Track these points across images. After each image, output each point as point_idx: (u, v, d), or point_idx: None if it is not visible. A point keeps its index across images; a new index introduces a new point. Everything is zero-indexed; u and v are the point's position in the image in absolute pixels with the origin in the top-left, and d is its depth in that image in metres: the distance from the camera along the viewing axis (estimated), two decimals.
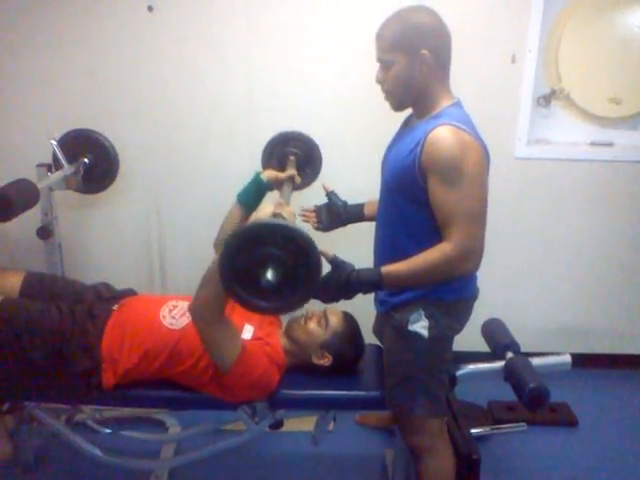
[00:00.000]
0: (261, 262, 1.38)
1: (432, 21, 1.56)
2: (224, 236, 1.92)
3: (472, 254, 1.53)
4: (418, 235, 1.61)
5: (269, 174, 1.95)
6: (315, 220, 2.05)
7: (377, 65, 1.62)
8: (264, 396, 1.80)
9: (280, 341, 1.89)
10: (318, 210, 2.06)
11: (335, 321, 1.90)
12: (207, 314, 1.65)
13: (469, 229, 1.51)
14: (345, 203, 2.04)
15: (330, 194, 2.05)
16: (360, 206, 2.02)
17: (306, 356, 1.88)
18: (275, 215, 1.53)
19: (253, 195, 1.94)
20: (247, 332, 1.86)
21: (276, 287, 1.38)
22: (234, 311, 1.83)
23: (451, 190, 1.50)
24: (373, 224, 1.84)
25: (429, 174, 1.52)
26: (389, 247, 1.71)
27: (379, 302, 1.80)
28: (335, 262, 1.58)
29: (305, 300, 1.46)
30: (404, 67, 1.55)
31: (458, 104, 1.62)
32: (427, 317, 1.64)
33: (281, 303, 1.46)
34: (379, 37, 1.59)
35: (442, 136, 1.49)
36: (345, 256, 1.61)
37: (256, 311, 1.51)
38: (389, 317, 1.73)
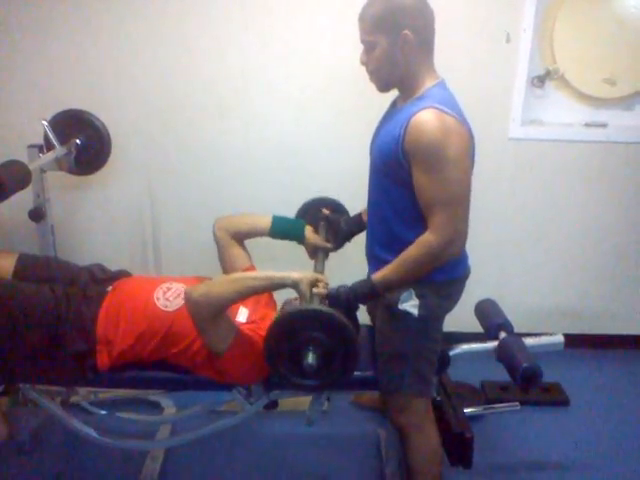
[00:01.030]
0: (304, 345, 1.52)
1: (413, 1, 1.55)
2: (235, 226, 2.00)
3: (455, 240, 1.54)
4: (408, 218, 1.62)
5: (309, 233, 2.03)
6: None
7: None
8: (259, 379, 1.80)
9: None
10: (324, 233, 2.07)
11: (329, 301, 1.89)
12: (209, 310, 1.64)
13: (451, 215, 1.52)
14: (345, 218, 2.05)
15: (327, 217, 2.07)
16: (357, 216, 2.03)
17: None
18: (315, 281, 1.64)
19: (286, 230, 2.02)
20: (242, 315, 1.85)
21: (316, 369, 1.51)
22: None
23: (433, 176, 1.50)
24: None
25: (412, 159, 1.53)
26: (380, 230, 1.72)
27: None
28: (330, 296, 1.65)
29: (348, 377, 1.60)
30: (386, 48, 1.55)
31: (442, 84, 1.61)
32: (417, 296, 1.64)
33: (323, 381, 1.60)
34: (361, 19, 1.59)
35: (424, 120, 1.49)
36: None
37: (300, 389, 1.67)
38: (381, 296, 1.74)
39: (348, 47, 2.40)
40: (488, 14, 2.49)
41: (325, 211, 2.09)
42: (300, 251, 2.05)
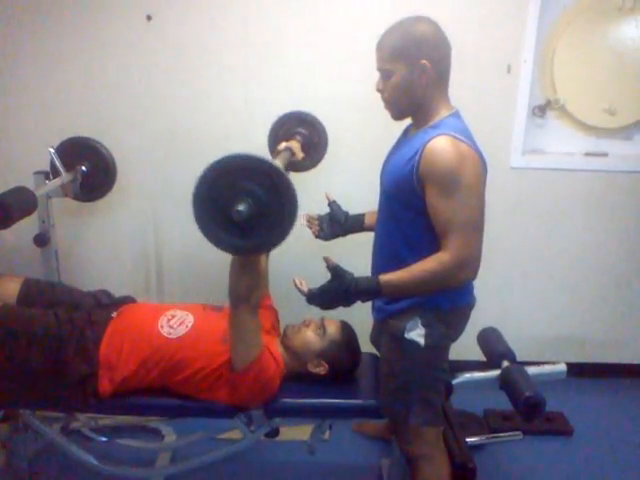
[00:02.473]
0: (235, 196, 1.37)
1: (433, 32, 1.57)
2: None
3: (469, 263, 1.53)
4: (416, 244, 1.63)
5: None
6: (317, 228, 2.06)
7: (376, 73, 1.64)
8: (264, 402, 1.80)
9: (278, 350, 1.89)
10: (320, 219, 2.08)
11: (332, 330, 1.90)
12: (254, 297, 1.65)
13: (466, 238, 1.51)
14: (346, 213, 2.05)
15: (332, 204, 2.07)
16: (360, 216, 2.04)
17: (302, 364, 1.88)
18: None
19: None
20: None
21: (250, 223, 1.37)
22: None
23: (448, 200, 1.51)
24: (372, 234, 1.85)
25: (427, 184, 1.53)
26: (387, 256, 1.72)
27: (376, 310, 1.80)
28: (336, 270, 1.59)
29: (280, 239, 1.42)
30: (404, 77, 1.57)
31: (457, 114, 1.64)
32: (423, 325, 1.64)
33: (255, 241, 1.43)
34: (379, 47, 1.61)
35: (440, 146, 1.50)
36: (343, 265, 1.61)
37: (230, 251, 1.49)
38: (386, 325, 1.74)
39: (354, 77, 2.48)
40: (489, 45, 2.53)
41: (329, 197, 2.08)
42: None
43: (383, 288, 1.56)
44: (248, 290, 1.65)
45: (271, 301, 2.12)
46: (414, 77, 1.57)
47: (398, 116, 1.68)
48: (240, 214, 1.35)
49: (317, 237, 2.06)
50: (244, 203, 1.36)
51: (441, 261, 1.52)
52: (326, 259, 1.57)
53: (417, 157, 1.54)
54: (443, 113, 1.61)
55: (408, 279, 1.56)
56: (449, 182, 1.50)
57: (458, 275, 1.54)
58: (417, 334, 1.65)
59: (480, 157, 1.57)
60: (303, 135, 2.20)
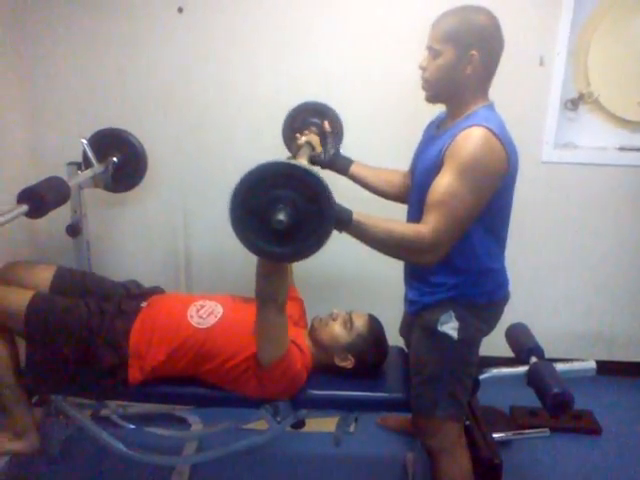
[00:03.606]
0: (272, 205, 1.37)
1: (490, 24, 1.56)
2: None
3: (438, 249, 1.51)
4: None
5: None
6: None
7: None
8: (291, 396, 1.81)
9: (305, 342, 1.90)
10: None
11: (360, 324, 1.90)
12: (282, 296, 1.65)
13: (447, 225, 1.49)
14: (337, 151, 2.04)
15: (328, 134, 2.07)
16: (347, 161, 2.02)
17: (329, 357, 1.88)
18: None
19: None
20: None
21: (288, 230, 1.36)
22: None
23: (453, 182, 1.48)
24: None
25: (445, 162, 1.52)
26: None
27: (409, 302, 1.79)
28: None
29: (319, 245, 1.41)
30: (450, 61, 1.55)
31: (491, 107, 1.62)
32: (457, 319, 1.64)
33: (294, 248, 1.43)
34: (435, 25, 1.59)
35: (471, 134, 1.49)
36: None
37: (270, 259, 1.49)
38: (418, 317, 1.73)
39: (386, 69, 2.47)
40: (522, 37, 2.49)
41: (327, 127, 2.10)
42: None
43: (353, 220, 1.49)
44: (276, 290, 1.64)
45: (296, 292, 2.12)
46: (460, 64, 1.55)
47: (433, 98, 1.66)
48: (281, 224, 1.35)
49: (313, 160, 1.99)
50: (283, 212, 1.36)
51: (418, 232, 1.49)
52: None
53: (447, 145, 1.52)
54: (479, 104, 1.60)
55: (378, 226, 1.50)
56: (463, 167, 1.48)
57: (426, 253, 1.51)
58: (450, 327, 1.64)
59: (510, 155, 1.54)
60: (318, 126, 2.17)
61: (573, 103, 2.67)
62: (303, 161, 1.68)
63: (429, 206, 1.51)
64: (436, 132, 1.72)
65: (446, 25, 1.56)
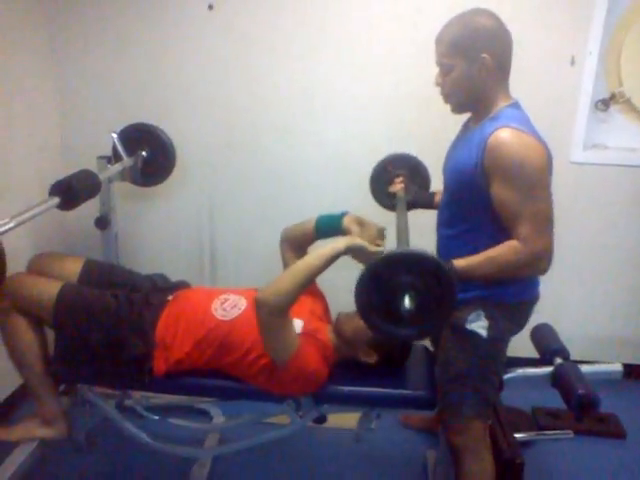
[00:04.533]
0: (396, 291, 1.43)
1: (493, 24, 1.55)
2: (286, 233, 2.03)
3: (544, 254, 1.52)
4: (482, 239, 1.61)
5: (349, 222, 1.92)
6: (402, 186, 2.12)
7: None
8: (312, 391, 1.81)
9: (329, 336, 1.90)
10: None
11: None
12: (280, 308, 1.65)
13: (538, 229, 1.50)
14: (417, 189, 2.12)
15: (404, 179, 2.15)
16: (430, 194, 2.08)
17: (353, 352, 1.88)
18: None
19: (328, 224, 1.98)
20: (296, 327, 1.86)
21: (414, 313, 1.42)
22: None
23: (515, 192, 1.49)
24: None
25: (493, 177, 1.52)
26: (450, 253, 1.71)
27: None
28: None
29: (442, 325, 1.51)
30: (464, 71, 1.55)
31: (516, 105, 1.61)
32: (487, 318, 1.63)
33: (420, 329, 1.50)
34: (439, 41, 1.59)
35: (503, 139, 1.49)
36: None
37: (397, 338, 1.60)
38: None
39: (415, 64, 2.46)
40: (553, 37, 2.47)
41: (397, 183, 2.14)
42: None
43: (459, 271, 1.54)
44: (287, 306, 1.66)
45: (317, 286, 2.13)
46: (474, 71, 1.55)
47: (458, 110, 1.67)
48: (409, 312, 1.41)
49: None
50: (410, 298, 1.41)
51: (516, 250, 1.51)
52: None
53: (480, 152, 1.52)
54: (502, 104, 1.59)
55: (484, 264, 1.55)
56: (515, 174, 1.48)
57: (531, 266, 1.53)
58: (480, 326, 1.64)
59: (544, 146, 1.54)
60: (406, 175, 2.22)
61: (604, 103, 2.63)
62: (403, 214, 1.78)
63: (508, 222, 1.54)
64: (463, 134, 1.73)
65: (449, 37, 1.56)
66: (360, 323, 1.87)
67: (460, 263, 1.56)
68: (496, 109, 1.59)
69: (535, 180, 1.49)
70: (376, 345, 1.86)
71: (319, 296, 2.10)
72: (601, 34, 2.46)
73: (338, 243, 1.67)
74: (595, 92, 2.57)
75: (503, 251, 1.53)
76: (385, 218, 2.01)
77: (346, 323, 1.90)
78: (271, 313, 1.65)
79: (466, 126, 1.74)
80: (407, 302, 1.40)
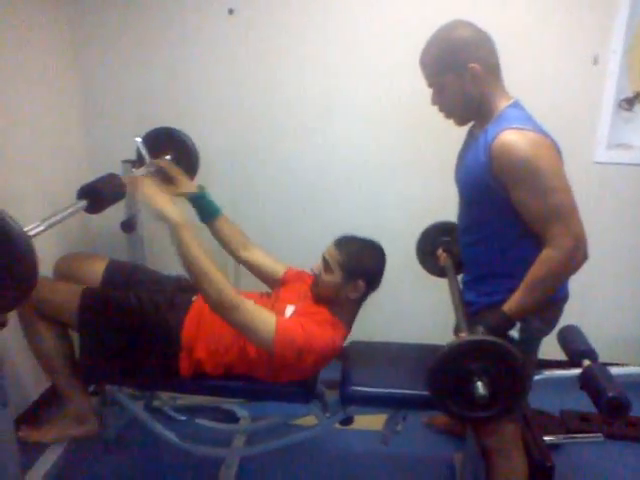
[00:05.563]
0: (468, 378, 1.46)
1: (470, 33, 1.56)
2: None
3: (578, 247, 1.50)
4: (509, 240, 1.61)
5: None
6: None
7: None
8: (328, 360, 1.78)
9: (322, 309, 1.85)
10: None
11: (334, 255, 1.85)
12: (228, 300, 1.64)
13: (566, 223, 1.48)
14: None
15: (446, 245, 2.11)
16: None
17: (345, 301, 1.85)
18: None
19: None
20: (288, 312, 1.86)
21: (489, 397, 1.45)
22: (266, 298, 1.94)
23: (535, 192, 1.48)
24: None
25: (508, 182, 1.51)
26: (474, 259, 1.73)
27: (467, 303, 1.79)
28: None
29: (520, 403, 1.54)
30: (456, 85, 1.56)
31: (516, 104, 1.60)
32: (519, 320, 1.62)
33: (498, 410, 1.52)
34: (422, 64, 1.61)
35: (508, 142, 1.48)
36: None
37: (474, 422, 1.67)
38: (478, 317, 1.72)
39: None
40: (576, 35, 2.46)
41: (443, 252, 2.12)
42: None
43: (514, 316, 1.56)
44: (228, 298, 1.65)
45: (293, 270, 2.11)
46: (466, 83, 1.56)
47: (463, 123, 1.68)
48: (484, 398, 1.44)
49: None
50: (484, 385, 1.44)
51: (550, 260, 1.50)
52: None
53: (487, 158, 1.52)
54: (502, 105, 1.59)
55: (530, 294, 1.54)
56: (530, 175, 1.47)
57: (571, 263, 1.51)
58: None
59: (550, 140, 1.53)
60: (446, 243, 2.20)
61: (628, 102, 2.61)
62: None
63: (536, 229, 1.53)
64: (469, 141, 1.73)
65: (432, 58, 1.57)
66: (323, 276, 1.84)
67: (509, 307, 1.56)
68: (497, 111, 1.58)
69: (548, 175, 1.47)
70: (351, 274, 1.82)
71: (299, 279, 2.08)
72: (624, 33, 2.44)
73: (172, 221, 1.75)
74: (619, 91, 2.55)
75: (539, 268, 1.52)
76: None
77: (319, 289, 1.88)
78: (228, 308, 1.65)
79: (471, 133, 1.74)
80: (480, 389, 1.43)
